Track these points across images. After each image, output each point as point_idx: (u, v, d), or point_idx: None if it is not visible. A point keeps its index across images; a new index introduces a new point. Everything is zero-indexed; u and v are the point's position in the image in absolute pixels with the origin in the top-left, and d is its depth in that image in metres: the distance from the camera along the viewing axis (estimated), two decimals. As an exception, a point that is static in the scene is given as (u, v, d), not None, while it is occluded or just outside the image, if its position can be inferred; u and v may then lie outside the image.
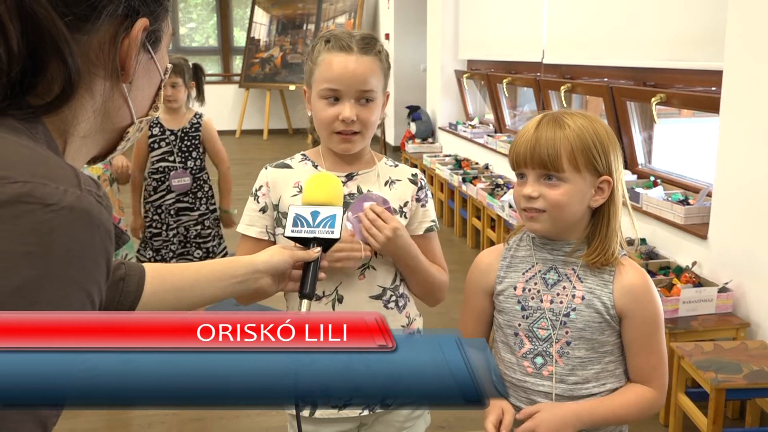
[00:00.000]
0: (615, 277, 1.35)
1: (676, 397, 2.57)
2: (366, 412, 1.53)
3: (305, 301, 1.20)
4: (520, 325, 1.40)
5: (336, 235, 1.24)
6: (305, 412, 1.54)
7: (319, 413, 1.53)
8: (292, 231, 1.24)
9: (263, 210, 1.54)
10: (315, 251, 1.22)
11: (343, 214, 1.28)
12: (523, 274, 1.42)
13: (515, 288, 1.41)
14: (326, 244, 1.25)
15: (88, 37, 0.66)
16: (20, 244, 0.51)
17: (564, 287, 1.37)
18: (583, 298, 1.35)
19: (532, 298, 1.39)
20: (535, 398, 1.38)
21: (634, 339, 1.36)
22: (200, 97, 3.39)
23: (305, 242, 1.24)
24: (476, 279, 1.49)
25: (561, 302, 1.37)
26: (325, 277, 1.29)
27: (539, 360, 1.38)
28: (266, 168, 1.58)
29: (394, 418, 1.58)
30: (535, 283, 1.40)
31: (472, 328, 1.51)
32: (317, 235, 1.24)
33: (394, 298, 1.53)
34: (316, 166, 1.55)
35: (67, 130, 0.68)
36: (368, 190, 1.53)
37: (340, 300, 1.50)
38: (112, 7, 0.66)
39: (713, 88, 3.18)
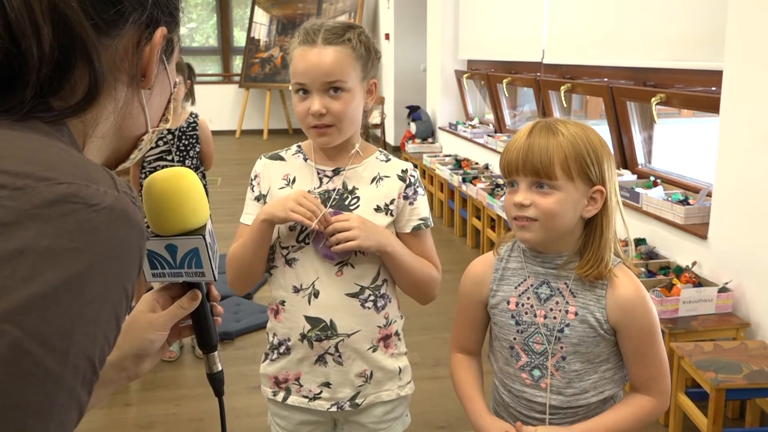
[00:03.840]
0: (608, 291, 1.33)
1: (676, 397, 2.56)
2: (334, 408, 1.55)
3: (215, 355, 0.99)
4: (515, 339, 1.39)
5: (209, 277, 0.93)
6: (279, 397, 1.58)
7: (291, 400, 1.57)
8: (153, 275, 0.94)
9: (258, 199, 1.57)
10: (193, 302, 0.94)
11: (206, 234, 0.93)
12: (516, 287, 1.39)
13: (508, 302, 1.39)
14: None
15: (114, 42, 0.69)
16: (68, 240, 0.54)
17: (557, 302, 1.35)
18: (576, 313, 1.33)
19: (526, 313, 1.37)
20: (535, 408, 1.38)
21: (629, 350, 1.35)
22: (191, 96, 3.40)
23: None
24: (469, 289, 1.47)
25: (555, 317, 1.35)
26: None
27: (537, 372, 1.37)
28: (261, 158, 1.60)
29: (367, 419, 1.59)
30: (528, 298, 1.38)
31: (466, 335, 1.51)
32: (185, 278, 0.94)
33: (372, 297, 1.53)
34: (306, 159, 1.56)
35: (87, 132, 0.70)
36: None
37: (316, 295, 1.51)
38: (137, 15, 0.69)
39: (713, 88, 3.18)
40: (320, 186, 1.53)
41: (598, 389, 1.36)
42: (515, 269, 1.41)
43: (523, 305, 1.38)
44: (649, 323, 1.34)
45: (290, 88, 1.50)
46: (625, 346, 1.35)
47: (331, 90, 1.43)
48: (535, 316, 1.36)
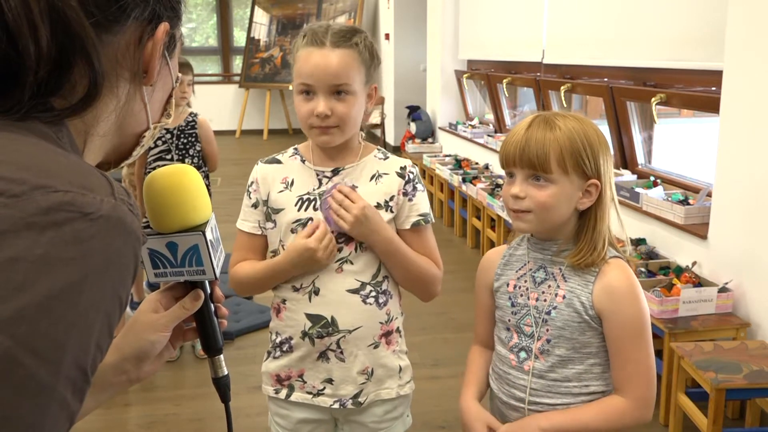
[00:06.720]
0: (597, 278, 1.35)
1: (676, 397, 2.57)
2: (336, 405, 1.56)
3: (220, 359, 0.95)
4: (509, 320, 1.44)
5: (209, 275, 0.91)
6: (281, 394, 1.58)
7: (295, 396, 1.57)
8: (156, 274, 0.92)
9: (255, 206, 1.58)
10: (195, 303, 0.92)
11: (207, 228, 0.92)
12: (516, 271, 1.45)
13: (508, 285, 1.45)
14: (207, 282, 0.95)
15: (116, 38, 0.68)
16: (63, 250, 0.53)
17: (549, 286, 1.39)
18: (564, 297, 1.37)
19: (521, 295, 1.42)
20: (515, 391, 1.42)
21: (611, 342, 1.35)
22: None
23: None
24: (480, 276, 1.54)
25: (545, 300, 1.39)
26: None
27: (522, 354, 1.41)
28: (258, 164, 1.61)
29: (367, 418, 1.59)
30: (525, 281, 1.43)
31: (481, 324, 1.55)
32: (186, 277, 0.92)
33: (374, 293, 1.54)
34: (304, 161, 1.57)
35: (88, 131, 0.70)
36: (337, 183, 1.52)
37: (317, 292, 1.52)
38: (139, 11, 0.69)
39: (713, 88, 3.18)
40: (320, 187, 1.54)
41: (583, 382, 1.37)
42: (520, 255, 1.46)
43: (520, 287, 1.43)
44: (634, 317, 1.33)
45: (290, 87, 1.51)
46: (608, 336, 1.35)
47: (336, 92, 1.45)
48: (529, 298, 1.41)
